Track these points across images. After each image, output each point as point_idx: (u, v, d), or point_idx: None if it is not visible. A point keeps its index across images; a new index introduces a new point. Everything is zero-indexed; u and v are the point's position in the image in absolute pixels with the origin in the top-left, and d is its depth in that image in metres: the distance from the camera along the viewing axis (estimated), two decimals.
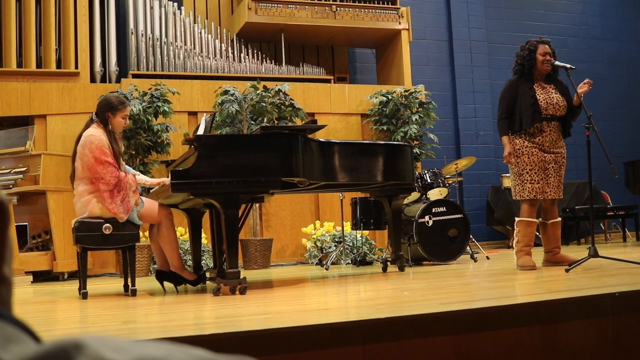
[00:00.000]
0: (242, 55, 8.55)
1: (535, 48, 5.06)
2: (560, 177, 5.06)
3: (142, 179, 4.69)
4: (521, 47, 5.16)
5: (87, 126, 4.58)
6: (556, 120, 5.05)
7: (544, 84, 5.09)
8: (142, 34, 8.13)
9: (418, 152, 8.18)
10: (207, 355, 0.56)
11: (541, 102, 4.98)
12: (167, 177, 4.36)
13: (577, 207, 9.25)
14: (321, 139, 4.75)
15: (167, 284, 4.82)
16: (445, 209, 6.53)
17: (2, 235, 0.61)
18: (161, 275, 4.79)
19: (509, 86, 5.15)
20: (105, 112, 4.54)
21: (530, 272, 4.77)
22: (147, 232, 6.87)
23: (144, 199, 4.67)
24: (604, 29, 11.66)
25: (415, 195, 6.83)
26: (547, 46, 5.07)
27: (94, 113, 4.64)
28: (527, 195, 4.99)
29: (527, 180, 4.99)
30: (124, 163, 4.73)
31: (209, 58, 8.37)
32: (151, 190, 5.04)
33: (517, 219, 5.14)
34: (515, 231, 5.15)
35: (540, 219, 5.18)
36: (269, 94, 7.60)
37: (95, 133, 4.45)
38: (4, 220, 0.61)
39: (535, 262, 5.01)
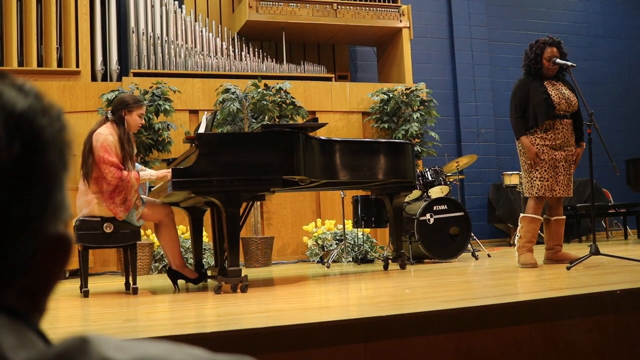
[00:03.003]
0: (243, 53, 8.55)
1: (542, 51, 5.03)
2: (570, 175, 5.05)
3: (147, 174, 4.64)
4: (530, 46, 5.13)
5: (100, 124, 4.57)
6: (568, 118, 5.04)
7: (553, 82, 5.09)
8: (143, 33, 8.12)
9: (419, 150, 8.17)
10: (205, 355, 0.57)
11: (553, 97, 4.97)
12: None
13: (578, 205, 9.25)
14: (322, 137, 4.74)
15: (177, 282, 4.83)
16: (446, 207, 6.52)
17: (60, 272, 0.63)
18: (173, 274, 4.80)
19: (519, 85, 5.13)
20: (120, 110, 4.53)
21: (531, 269, 4.77)
22: (149, 230, 6.89)
23: (144, 198, 4.67)
24: (605, 26, 11.65)
25: (416, 193, 6.83)
26: (554, 49, 5.04)
27: (109, 111, 4.64)
28: (536, 193, 4.98)
29: (537, 177, 4.98)
30: (136, 164, 4.73)
31: (210, 56, 8.37)
32: (152, 189, 5.04)
33: (521, 214, 5.15)
34: (518, 227, 5.15)
35: (544, 215, 5.18)
36: (270, 92, 7.60)
37: (104, 132, 4.44)
38: (67, 258, 0.62)
39: (537, 260, 5.01)
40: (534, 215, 5.04)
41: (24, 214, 0.58)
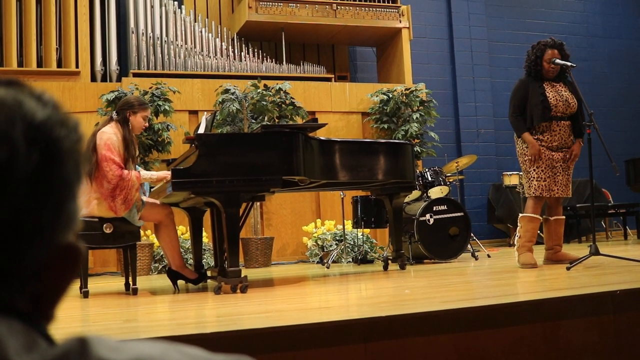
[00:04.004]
0: (242, 54, 8.54)
1: (543, 53, 5.03)
2: (569, 175, 5.06)
3: (147, 174, 4.63)
4: (532, 47, 5.13)
5: (105, 124, 4.59)
6: (566, 119, 5.04)
7: (553, 83, 5.09)
8: (143, 33, 8.12)
9: (419, 150, 8.17)
10: (202, 354, 0.57)
11: (550, 99, 4.97)
12: None
13: (578, 205, 9.24)
14: (322, 138, 4.74)
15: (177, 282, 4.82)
16: (446, 207, 6.52)
17: (69, 281, 0.63)
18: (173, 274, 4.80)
19: (519, 85, 5.14)
20: (125, 110, 4.55)
21: (531, 270, 4.77)
22: (148, 231, 6.89)
23: (144, 199, 4.67)
24: (604, 27, 11.65)
25: (416, 193, 6.83)
26: (555, 51, 5.03)
27: (114, 112, 4.66)
28: (533, 193, 4.99)
29: (534, 177, 4.99)
30: (136, 166, 4.72)
31: (210, 57, 8.36)
32: (152, 189, 5.04)
33: (520, 214, 5.17)
34: (517, 227, 5.16)
35: (544, 215, 5.19)
36: (270, 93, 7.60)
37: (108, 131, 4.46)
38: (76, 267, 0.63)
39: (537, 260, 5.02)
40: (532, 215, 5.05)
41: (37, 223, 0.59)
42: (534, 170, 4.99)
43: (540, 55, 5.04)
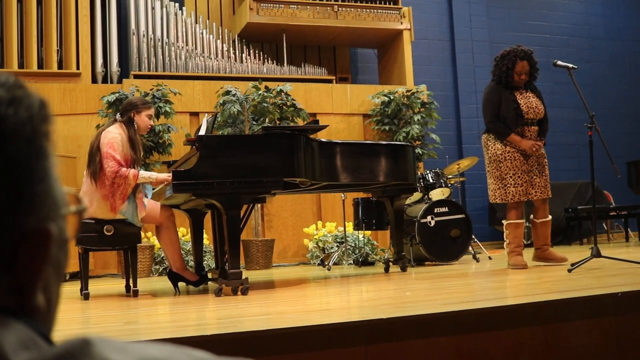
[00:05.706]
0: (243, 55, 8.55)
1: (514, 65, 5.09)
2: (546, 176, 5.18)
3: (147, 174, 4.56)
4: (502, 56, 5.18)
5: (109, 124, 4.58)
6: (535, 124, 5.16)
7: (522, 90, 5.20)
8: (144, 35, 8.12)
9: (420, 152, 8.17)
10: (208, 357, 0.56)
11: (522, 106, 5.12)
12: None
13: (579, 207, 9.24)
14: (323, 140, 4.74)
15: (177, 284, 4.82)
16: (447, 209, 6.52)
17: (42, 268, 0.60)
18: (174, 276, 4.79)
19: (490, 91, 5.22)
20: (129, 111, 4.55)
21: (532, 272, 4.78)
22: (149, 232, 6.89)
23: (146, 201, 4.66)
24: (606, 28, 11.64)
25: (417, 195, 6.82)
26: (525, 63, 5.09)
27: (117, 114, 4.65)
28: (511, 199, 5.10)
29: (511, 184, 5.08)
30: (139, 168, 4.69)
31: (211, 58, 8.37)
32: (153, 191, 5.03)
33: (504, 221, 5.24)
34: (505, 233, 5.24)
35: (531, 217, 5.29)
36: (271, 95, 7.60)
37: (113, 131, 4.45)
38: (47, 253, 0.60)
39: (528, 261, 5.13)
40: (516, 221, 5.18)
41: None
42: (510, 177, 5.08)
43: (511, 67, 5.11)
